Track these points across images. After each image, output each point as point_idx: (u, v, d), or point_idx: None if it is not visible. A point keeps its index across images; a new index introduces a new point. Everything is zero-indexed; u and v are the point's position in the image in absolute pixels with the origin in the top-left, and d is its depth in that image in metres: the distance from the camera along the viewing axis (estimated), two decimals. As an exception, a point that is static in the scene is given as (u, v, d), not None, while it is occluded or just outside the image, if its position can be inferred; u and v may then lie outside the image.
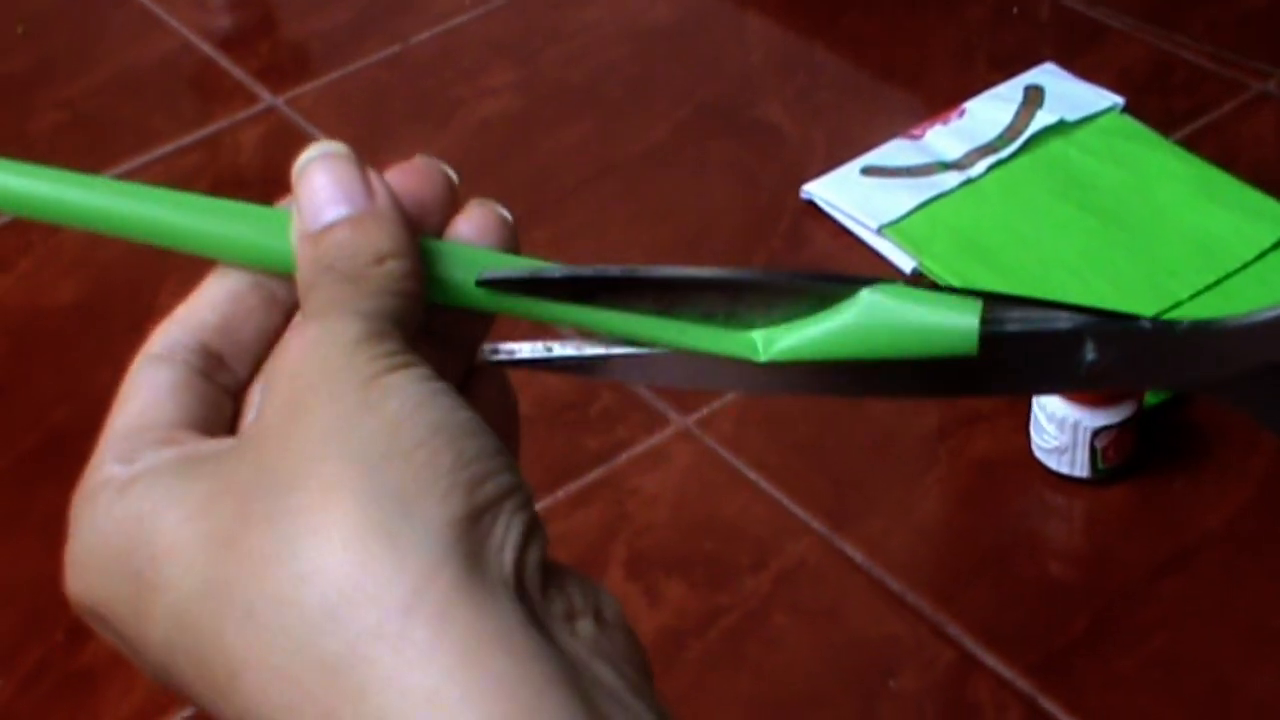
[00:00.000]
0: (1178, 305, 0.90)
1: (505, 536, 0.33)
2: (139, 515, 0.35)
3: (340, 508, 0.32)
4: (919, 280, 0.93)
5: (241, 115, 1.12)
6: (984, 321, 0.36)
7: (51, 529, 0.83)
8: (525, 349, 0.40)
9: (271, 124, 1.11)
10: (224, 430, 0.38)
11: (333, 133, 1.09)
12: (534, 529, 0.33)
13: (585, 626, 0.34)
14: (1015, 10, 1.15)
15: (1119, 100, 1.04)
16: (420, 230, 0.38)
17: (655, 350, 0.38)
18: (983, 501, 0.84)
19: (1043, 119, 1.02)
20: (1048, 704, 0.74)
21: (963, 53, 1.13)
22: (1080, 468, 0.82)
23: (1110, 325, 0.36)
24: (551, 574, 0.34)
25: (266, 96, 1.13)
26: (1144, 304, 0.90)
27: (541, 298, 0.38)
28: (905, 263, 0.94)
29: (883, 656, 0.77)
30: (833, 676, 0.76)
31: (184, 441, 0.36)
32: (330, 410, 0.33)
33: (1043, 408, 0.82)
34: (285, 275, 0.38)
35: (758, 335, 0.38)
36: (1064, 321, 0.36)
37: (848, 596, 0.79)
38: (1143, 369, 0.37)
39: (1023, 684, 0.75)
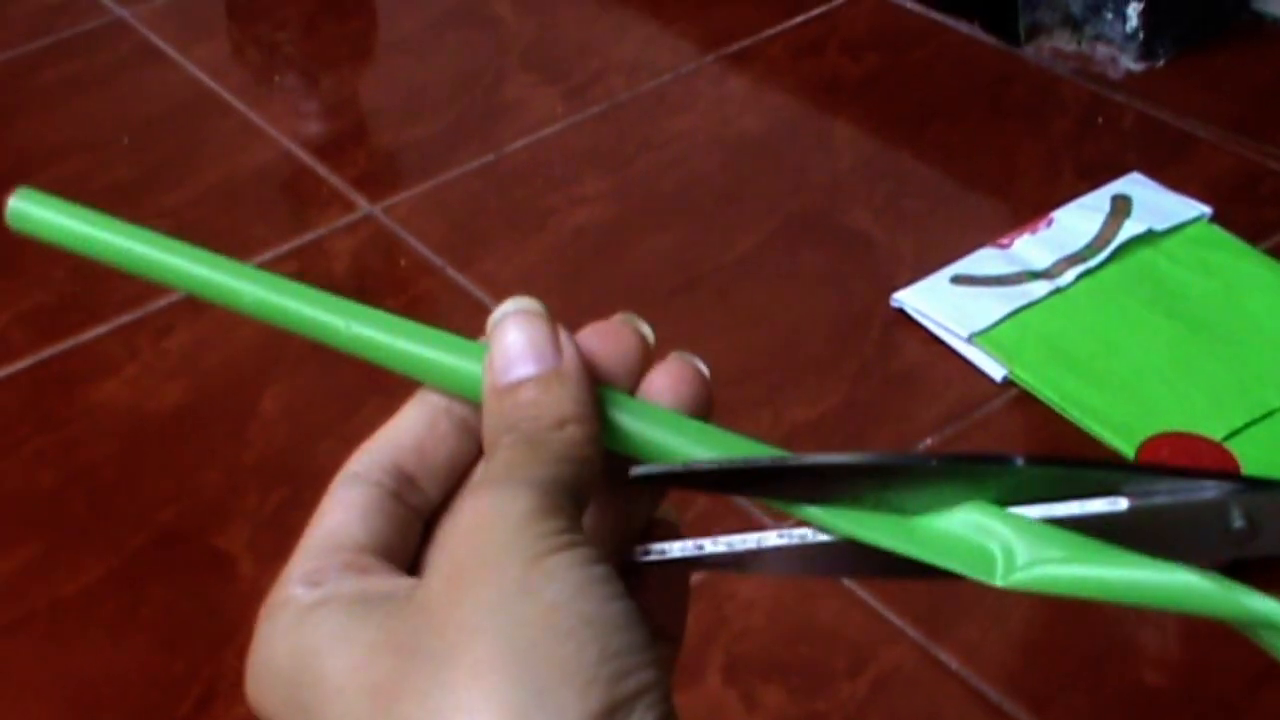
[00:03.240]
0: (1270, 414, 0.90)
1: None
2: (313, 649, 0.36)
3: (487, 691, 0.33)
4: (1011, 385, 0.94)
5: (338, 223, 1.15)
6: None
7: (159, 628, 0.86)
8: (675, 548, 0.40)
9: (367, 232, 1.14)
10: (409, 553, 0.39)
11: (427, 240, 1.11)
12: None
13: None
14: (1100, 120, 1.16)
15: (1207, 210, 1.05)
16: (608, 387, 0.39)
17: (808, 541, 0.38)
18: (1077, 609, 0.84)
19: (1131, 228, 1.03)
20: (1148, 815, 0.74)
21: (1049, 162, 1.14)
22: (1176, 576, 0.82)
23: (1257, 492, 0.36)
24: None
25: (363, 204, 1.16)
26: (1236, 411, 0.90)
27: (699, 488, 0.39)
28: (996, 371, 0.95)
29: (981, 765, 0.77)
30: (931, 784, 0.77)
31: (368, 569, 0.38)
32: (491, 589, 0.34)
33: (1137, 516, 0.82)
34: (477, 404, 0.40)
35: (996, 550, 0.37)
36: (1207, 493, 0.37)
37: (944, 704, 0.80)
38: None
39: (1122, 794, 0.74)
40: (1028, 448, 0.93)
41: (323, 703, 0.35)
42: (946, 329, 0.98)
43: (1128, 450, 0.87)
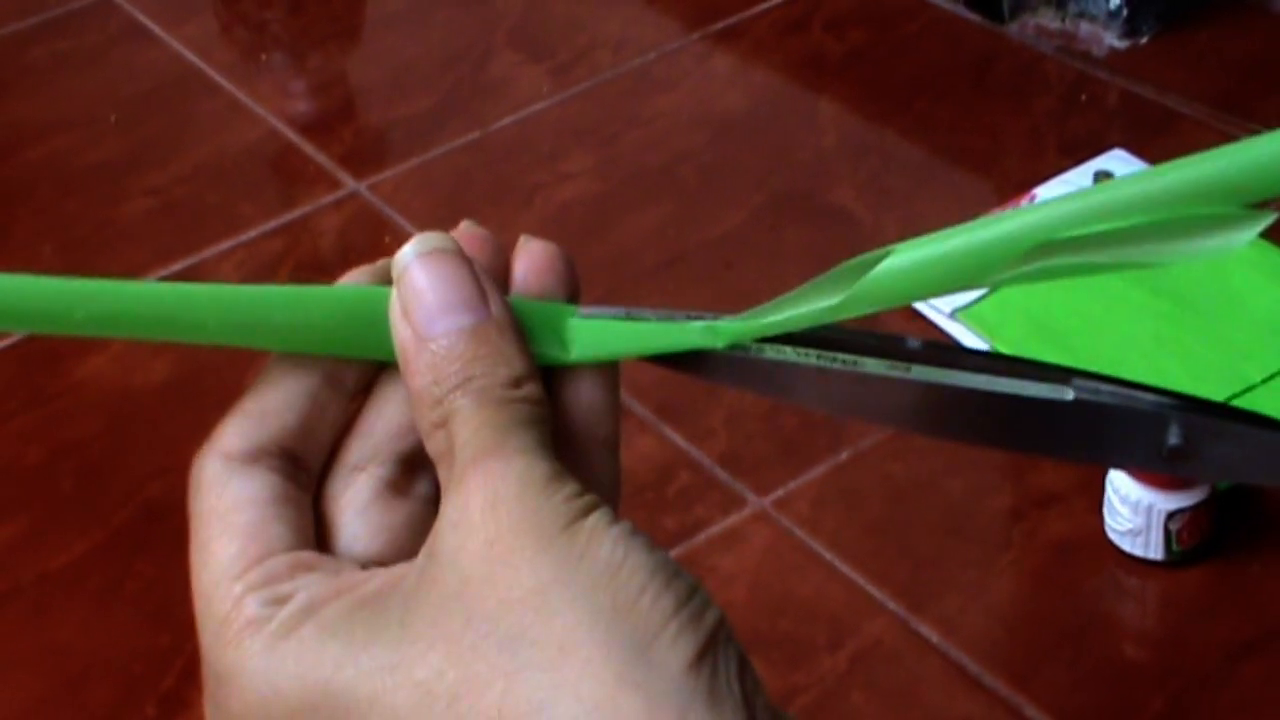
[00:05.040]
0: (1251, 388, 0.91)
1: (728, 667, 0.33)
2: (320, 669, 0.34)
3: (582, 663, 0.32)
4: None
5: (325, 201, 1.15)
6: (1077, 388, 0.37)
7: (145, 603, 0.86)
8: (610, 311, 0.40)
9: (353, 209, 1.14)
10: (314, 539, 0.37)
11: (413, 218, 1.11)
12: (744, 658, 0.34)
13: None
14: (1084, 97, 1.17)
15: (1189, 186, 1.05)
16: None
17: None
18: (1057, 583, 0.85)
19: (1113, 205, 1.03)
20: (1125, 785, 0.74)
21: (1032, 139, 1.14)
22: (1154, 550, 0.82)
23: (1196, 413, 0.37)
24: (763, 692, 0.34)
25: (349, 182, 1.16)
26: (1217, 387, 0.90)
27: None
28: (979, 347, 0.96)
29: (960, 736, 0.77)
30: (910, 755, 0.77)
31: (311, 565, 0.36)
32: (543, 558, 0.33)
33: (1116, 490, 0.82)
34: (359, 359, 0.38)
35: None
36: (1149, 403, 0.37)
37: (924, 677, 0.80)
38: (1222, 460, 0.37)
39: (1100, 765, 0.75)
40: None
41: (355, 717, 0.33)
42: (930, 305, 0.99)
43: (1108, 425, 0.88)
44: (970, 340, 0.96)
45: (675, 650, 0.32)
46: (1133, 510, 0.82)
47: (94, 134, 1.24)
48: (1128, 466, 0.37)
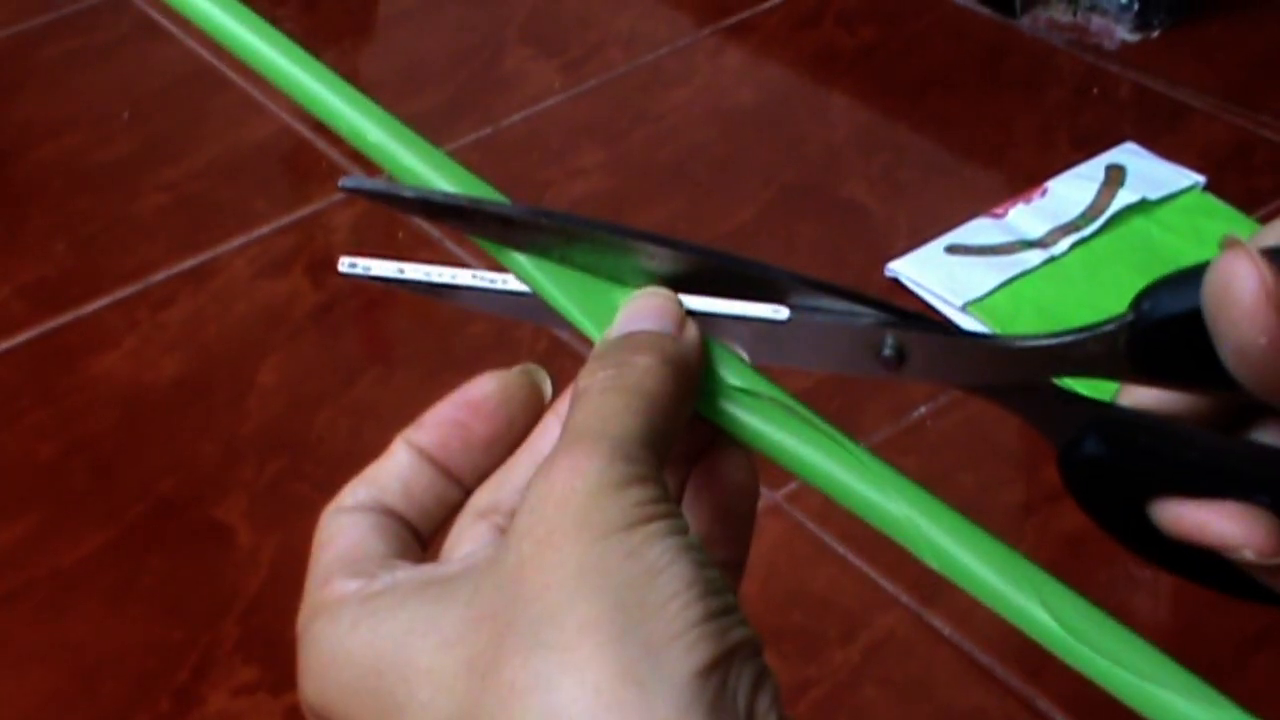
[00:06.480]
0: (1262, 381, 0.91)
1: (739, 682, 0.34)
2: (391, 634, 0.36)
3: (593, 648, 0.33)
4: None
5: (337, 197, 1.15)
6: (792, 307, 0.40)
7: (157, 599, 0.86)
8: (378, 266, 0.42)
9: (365, 205, 1.14)
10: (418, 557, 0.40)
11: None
12: (763, 674, 0.34)
13: None
14: (1095, 91, 1.17)
15: (1200, 179, 1.05)
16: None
17: (504, 288, 0.41)
18: (1069, 575, 0.84)
19: (1124, 198, 1.03)
20: (1137, 777, 0.74)
21: (1044, 132, 1.14)
22: (1167, 543, 0.82)
23: (905, 327, 0.40)
24: (777, 716, 0.35)
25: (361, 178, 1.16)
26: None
27: (404, 211, 0.41)
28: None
29: (972, 729, 0.77)
30: (922, 748, 0.77)
31: (406, 565, 0.38)
32: (591, 548, 0.34)
33: (1128, 483, 0.82)
34: (468, 457, 0.41)
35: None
36: (865, 318, 0.40)
37: (937, 669, 0.80)
38: (929, 366, 0.40)
39: (1112, 757, 0.75)
40: (1020, 416, 0.93)
41: (412, 686, 0.35)
42: (941, 298, 0.99)
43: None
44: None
45: (688, 656, 0.33)
46: (1145, 503, 0.81)
47: (107, 131, 1.24)
48: (850, 374, 0.40)
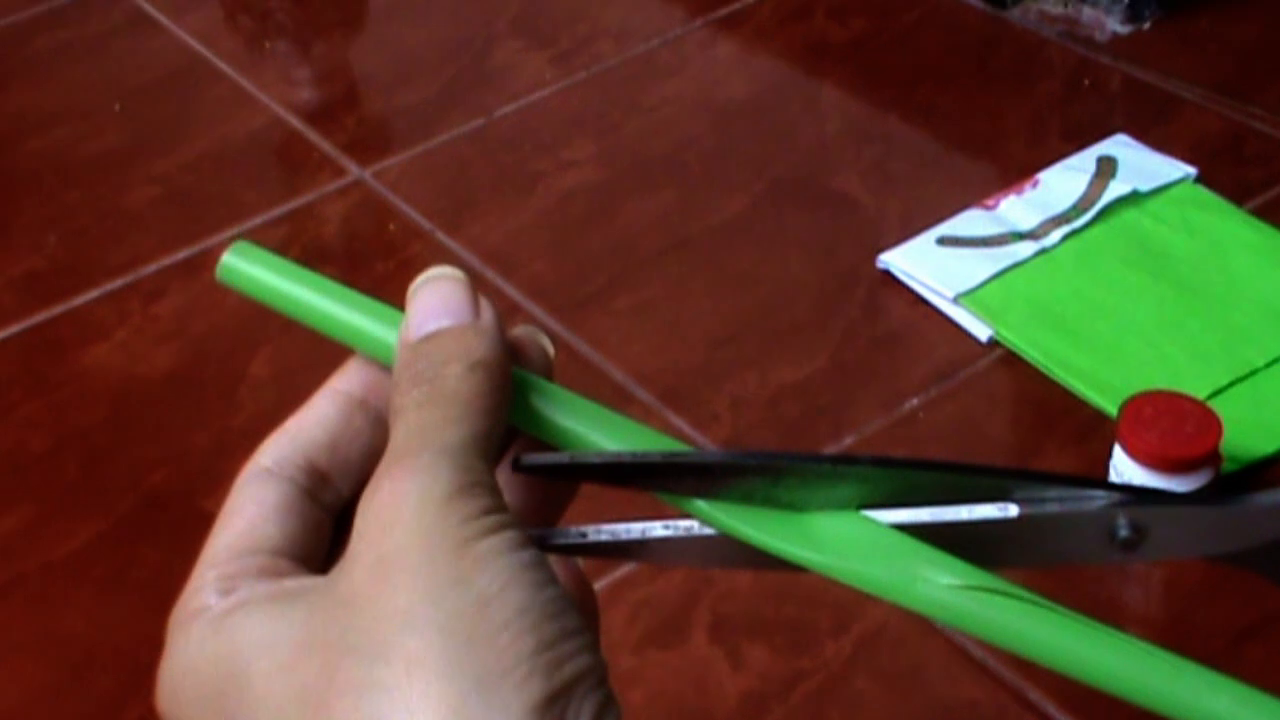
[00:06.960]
0: (1253, 372, 0.91)
1: (579, 717, 0.33)
2: (234, 655, 0.35)
3: (424, 687, 0.32)
4: (993, 345, 0.95)
5: (329, 188, 1.15)
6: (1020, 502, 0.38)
7: (149, 590, 0.86)
8: (558, 535, 0.39)
9: (357, 197, 1.14)
10: (322, 554, 0.39)
11: (417, 205, 1.12)
12: (606, 705, 0.34)
13: None
14: (1087, 83, 1.17)
15: (1191, 171, 1.05)
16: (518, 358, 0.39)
17: (698, 534, 0.38)
18: (1061, 568, 0.84)
19: (1116, 189, 1.03)
20: (1128, 768, 0.74)
21: (1035, 124, 1.14)
22: (1158, 534, 0.82)
23: (1140, 504, 0.38)
24: None
25: (353, 169, 1.16)
26: (1219, 370, 0.91)
27: (587, 480, 0.38)
28: (981, 331, 0.96)
29: (963, 720, 0.78)
30: (913, 739, 0.77)
31: (283, 572, 0.37)
32: (420, 579, 0.33)
33: (1120, 476, 0.82)
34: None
35: (896, 565, 0.38)
36: (1094, 504, 0.38)
37: (929, 661, 0.80)
38: (1170, 541, 0.38)
39: (1103, 748, 0.75)
40: (1013, 407, 0.94)
41: (249, 710, 0.34)
42: (932, 290, 0.99)
43: (1111, 409, 0.88)
44: (973, 324, 0.96)
45: (521, 692, 0.32)
46: (1135, 494, 0.81)
47: (98, 123, 1.24)
48: (1082, 563, 0.38)
